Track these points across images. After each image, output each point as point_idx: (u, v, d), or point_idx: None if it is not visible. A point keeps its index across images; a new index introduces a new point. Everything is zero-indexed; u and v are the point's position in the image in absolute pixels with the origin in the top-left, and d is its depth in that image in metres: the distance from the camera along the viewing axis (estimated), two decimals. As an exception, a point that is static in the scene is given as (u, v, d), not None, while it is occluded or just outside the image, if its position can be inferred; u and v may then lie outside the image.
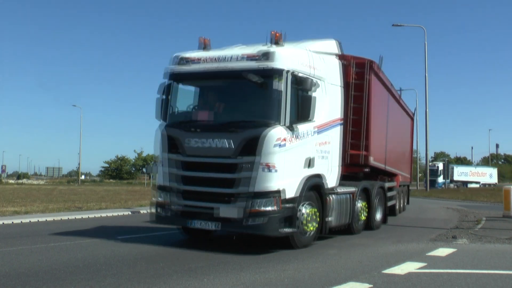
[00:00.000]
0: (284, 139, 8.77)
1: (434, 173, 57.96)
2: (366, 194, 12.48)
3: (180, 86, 9.98)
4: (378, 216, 13.39)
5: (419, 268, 7.47)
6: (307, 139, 9.41)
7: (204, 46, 10.00)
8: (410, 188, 23.15)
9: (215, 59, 9.42)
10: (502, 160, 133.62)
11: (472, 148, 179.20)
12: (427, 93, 41.54)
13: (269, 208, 8.60)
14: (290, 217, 8.86)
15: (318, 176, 9.82)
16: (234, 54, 9.31)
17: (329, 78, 10.45)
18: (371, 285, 6.26)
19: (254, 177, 8.65)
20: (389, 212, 15.76)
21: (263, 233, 8.76)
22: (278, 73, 8.86)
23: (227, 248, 9.25)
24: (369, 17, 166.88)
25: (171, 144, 9.45)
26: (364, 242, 10.56)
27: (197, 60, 9.60)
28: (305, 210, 9.22)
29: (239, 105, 9.57)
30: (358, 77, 11.72)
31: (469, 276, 6.95)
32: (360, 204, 11.98)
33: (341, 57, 11.40)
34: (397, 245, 10.05)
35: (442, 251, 9.11)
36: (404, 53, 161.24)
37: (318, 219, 9.58)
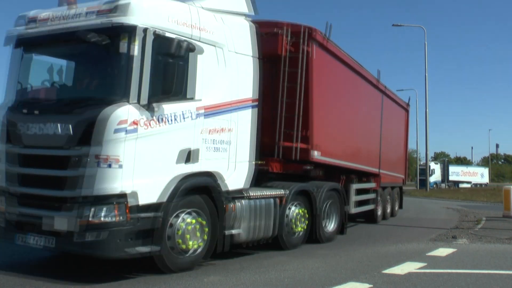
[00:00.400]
0: (135, 122, 6.38)
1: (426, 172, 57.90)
2: (307, 198, 9.78)
3: (29, 55, 7.63)
4: (331, 225, 10.61)
5: (419, 268, 7.47)
6: (183, 124, 6.98)
7: (68, 3, 7.22)
8: (408, 188, 22.43)
9: (62, 17, 7.05)
10: (502, 160, 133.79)
11: (472, 148, 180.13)
12: (427, 93, 41.55)
13: (109, 219, 6.22)
14: (150, 231, 6.50)
15: (208, 175, 7.42)
16: (81, 9, 6.95)
17: (232, 45, 7.97)
18: (371, 285, 6.27)
19: (91, 175, 6.28)
20: (367, 219, 14.37)
21: (102, 254, 6.31)
22: (129, 31, 6.48)
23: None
24: (369, 17, 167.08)
25: (9, 131, 7.15)
26: (361, 243, 10.55)
27: (44, 21, 7.20)
28: (182, 221, 6.86)
29: (85, 77, 7.42)
30: (295, 50, 9.46)
31: (469, 276, 6.95)
32: (295, 210, 9.30)
33: (265, 25, 9.23)
34: (397, 245, 10.05)
35: (442, 251, 9.12)
36: (404, 53, 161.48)
37: (207, 233, 7.22)
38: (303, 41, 9.44)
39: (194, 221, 7.01)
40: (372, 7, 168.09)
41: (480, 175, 74.51)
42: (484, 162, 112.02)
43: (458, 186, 65.61)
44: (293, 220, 9.26)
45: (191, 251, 7.01)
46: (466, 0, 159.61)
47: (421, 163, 65.28)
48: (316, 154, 9.92)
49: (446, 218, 17.14)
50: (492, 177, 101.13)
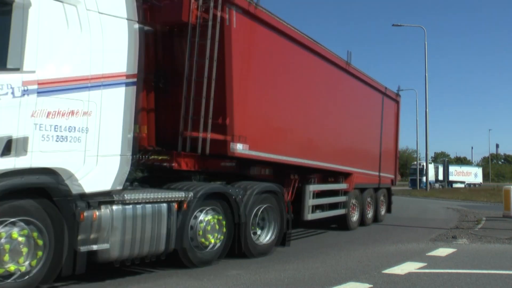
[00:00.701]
0: None
1: (420, 172, 57.88)
2: (226, 203, 7.77)
3: None
4: (266, 236, 8.63)
5: (419, 268, 7.47)
6: None
7: None
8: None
9: None
10: (502, 160, 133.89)
11: (472, 148, 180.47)
12: (427, 93, 41.54)
13: None
14: None
15: (47, 172, 5.59)
16: None
17: (94, 2, 6.09)
18: (371, 285, 6.27)
19: None
20: (340, 225, 12.68)
21: None
22: None
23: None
24: (369, 17, 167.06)
25: None
26: (361, 243, 10.54)
27: None
28: None
29: None
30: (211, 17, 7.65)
31: (469, 276, 6.95)
32: (205, 218, 7.31)
33: None
34: (397, 245, 10.05)
35: (442, 251, 9.12)
36: (404, 53, 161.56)
37: (45, 250, 5.46)
38: (215, 5, 7.63)
39: (18, 234, 5.19)
40: (372, 7, 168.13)
41: (473, 175, 73.36)
42: (484, 162, 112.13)
43: (451, 186, 65.20)
44: (202, 231, 7.27)
45: (15, 276, 5.18)
46: (466, 0, 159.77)
47: (414, 162, 65.55)
48: (239, 148, 8.03)
49: (446, 218, 17.14)
50: (492, 177, 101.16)
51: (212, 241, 7.44)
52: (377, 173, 14.71)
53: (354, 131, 13.03)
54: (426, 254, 8.78)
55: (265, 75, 8.95)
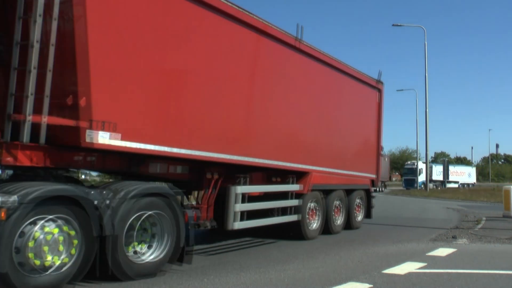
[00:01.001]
0: None
1: (413, 172, 57.76)
2: (84, 210, 5.77)
3: None
4: (153, 252, 6.68)
5: (419, 268, 7.47)
6: None
7: None
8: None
9: None
10: (502, 160, 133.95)
11: (472, 148, 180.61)
12: (427, 93, 41.60)
13: None
14: None
15: None
16: None
17: None
18: (371, 285, 6.27)
19: None
20: (294, 233, 10.49)
21: None
22: None
23: (227, 248, 9.24)
24: (369, 17, 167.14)
25: None
26: (361, 243, 10.54)
27: None
28: None
29: None
30: None
31: (469, 276, 6.95)
32: (42, 231, 5.38)
33: None
34: (397, 245, 10.05)
35: (442, 251, 9.12)
36: (404, 53, 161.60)
37: None
38: None
39: None
40: (372, 7, 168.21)
41: (467, 175, 72.33)
42: (484, 162, 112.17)
43: (445, 186, 64.78)
44: (35, 248, 5.34)
45: None
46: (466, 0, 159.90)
47: (407, 162, 65.53)
48: (103, 137, 6.07)
49: (446, 218, 17.14)
50: (492, 177, 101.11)
51: (55, 261, 5.50)
52: (349, 172, 12.48)
53: (311, 121, 10.83)
54: (426, 254, 8.78)
55: (153, 41, 6.75)
